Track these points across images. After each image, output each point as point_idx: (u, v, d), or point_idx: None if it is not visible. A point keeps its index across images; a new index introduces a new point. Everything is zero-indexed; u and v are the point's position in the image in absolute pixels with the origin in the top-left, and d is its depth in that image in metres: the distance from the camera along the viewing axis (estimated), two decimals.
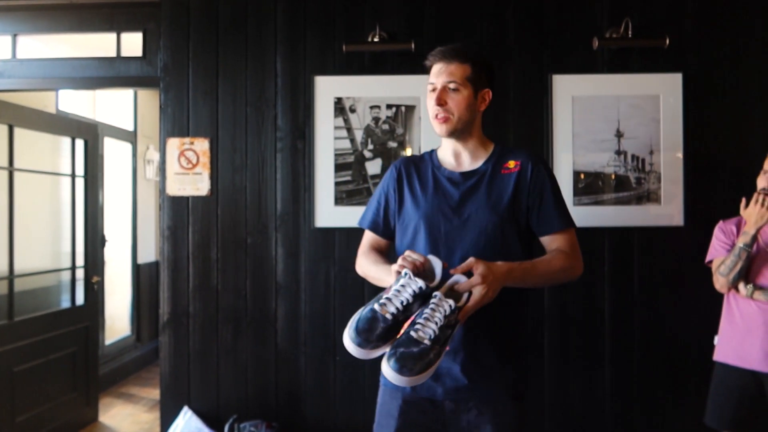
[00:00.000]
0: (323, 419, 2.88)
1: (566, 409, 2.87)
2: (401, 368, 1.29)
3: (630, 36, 2.78)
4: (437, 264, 1.45)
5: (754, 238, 2.25)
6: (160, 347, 2.97)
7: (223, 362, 2.92)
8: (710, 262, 2.44)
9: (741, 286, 2.31)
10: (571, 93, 2.82)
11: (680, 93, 2.81)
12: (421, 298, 1.38)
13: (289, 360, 2.90)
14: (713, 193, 2.82)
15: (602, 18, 2.85)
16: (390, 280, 1.50)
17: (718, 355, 2.41)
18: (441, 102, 1.59)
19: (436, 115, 1.61)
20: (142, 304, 5.21)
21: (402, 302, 1.36)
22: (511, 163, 1.64)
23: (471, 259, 1.42)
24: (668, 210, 2.81)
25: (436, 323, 1.33)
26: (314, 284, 2.90)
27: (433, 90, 1.62)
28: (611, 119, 2.81)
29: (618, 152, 2.81)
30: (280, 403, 2.90)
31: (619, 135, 2.82)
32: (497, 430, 1.55)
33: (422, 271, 1.43)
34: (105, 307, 4.75)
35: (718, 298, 2.45)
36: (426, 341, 1.31)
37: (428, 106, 1.64)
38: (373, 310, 1.35)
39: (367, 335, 1.32)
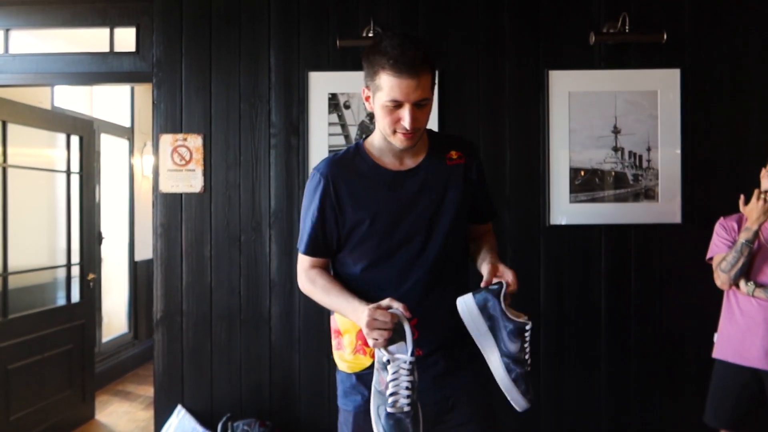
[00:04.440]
0: (317, 418, 2.86)
1: (562, 407, 2.85)
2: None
3: (627, 31, 2.75)
4: (404, 319, 1.35)
5: (756, 234, 2.23)
6: (154, 345, 2.95)
7: (216, 360, 2.90)
8: (711, 259, 2.42)
9: (742, 283, 2.29)
10: (567, 89, 2.79)
11: (678, 89, 2.77)
12: (415, 364, 1.33)
13: (284, 358, 2.88)
14: (711, 190, 2.79)
15: (599, 13, 2.82)
16: (351, 316, 1.44)
17: (718, 353, 2.39)
18: (418, 124, 1.42)
19: (403, 134, 1.43)
20: (140, 301, 5.20)
21: (407, 386, 1.31)
22: (454, 154, 1.57)
23: (492, 270, 1.46)
24: (666, 207, 2.78)
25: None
26: None
27: (398, 106, 1.40)
28: (608, 115, 2.78)
29: (615, 149, 2.78)
30: (274, 402, 2.88)
31: (616, 131, 2.79)
32: (478, 413, 1.55)
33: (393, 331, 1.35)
34: (102, 304, 4.73)
35: (717, 295, 2.43)
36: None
37: (386, 121, 1.43)
38: (391, 415, 1.31)
39: None
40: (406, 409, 1.30)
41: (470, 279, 1.60)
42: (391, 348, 1.34)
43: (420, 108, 1.42)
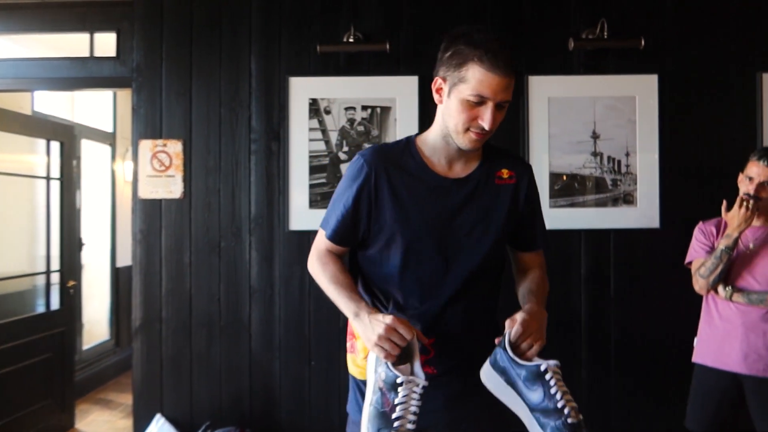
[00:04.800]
0: (298, 425, 2.84)
1: None
2: None
3: (606, 37, 2.77)
4: (416, 341, 1.28)
5: (736, 241, 2.22)
6: (133, 353, 2.92)
7: (196, 368, 2.88)
8: (690, 263, 2.42)
9: (720, 288, 2.29)
10: (547, 94, 2.81)
11: (656, 94, 2.80)
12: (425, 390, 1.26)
13: (264, 365, 2.86)
14: (689, 194, 2.81)
15: (578, 19, 2.84)
16: (348, 313, 1.35)
17: (698, 357, 2.40)
18: (494, 126, 1.33)
19: (476, 133, 1.34)
20: (122, 308, 5.14)
21: (415, 411, 1.23)
22: (505, 173, 1.46)
23: (509, 323, 1.31)
24: (644, 212, 2.80)
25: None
26: (289, 288, 2.86)
27: (480, 103, 1.30)
28: (587, 120, 2.80)
29: (594, 154, 2.80)
30: (254, 409, 2.86)
31: (595, 136, 2.81)
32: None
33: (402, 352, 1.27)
34: (83, 311, 4.68)
35: (695, 299, 2.44)
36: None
37: (461, 117, 1.32)
38: None
39: None
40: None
41: (499, 303, 1.53)
42: (401, 368, 1.26)
43: (499, 110, 1.33)
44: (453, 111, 1.34)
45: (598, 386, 2.84)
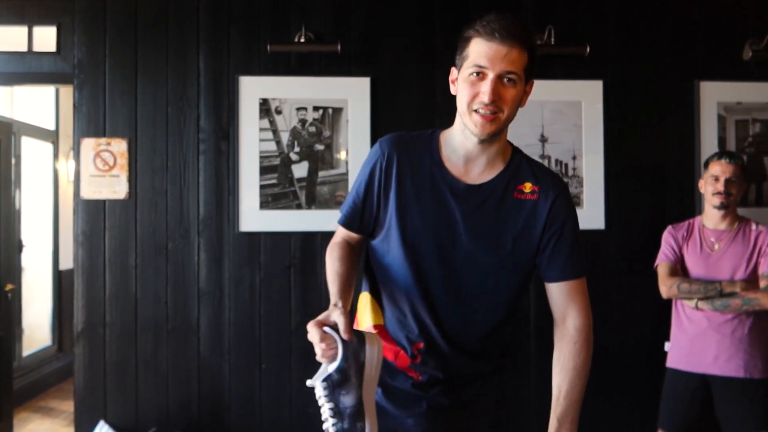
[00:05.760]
0: (248, 429, 2.79)
1: None
2: None
3: (553, 43, 2.83)
4: (338, 338, 1.17)
5: (734, 304, 2.28)
6: (75, 359, 2.81)
7: (142, 373, 2.79)
8: (657, 265, 2.48)
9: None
10: None
11: (601, 99, 2.87)
12: (338, 382, 1.16)
13: (213, 369, 2.80)
14: (632, 196, 2.89)
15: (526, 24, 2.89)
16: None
17: (670, 362, 2.46)
18: (496, 96, 1.21)
19: (482, 112, 1.23)
20: (65, 312, 4.94)
21: (330, 414, 1.17)
22: (528, 187, 1.32)
23: None
24: (590, 214, 2.86)
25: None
26: (239, 290, 2.81)
27: (481, 77, 1.22)
28: (535, 124, 2.85)
29: (542, 157, 2.86)
30: (203, 414, 2.80)
31: (543, 140, 2.87)
32: None
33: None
34: (23, 316, 4.48)
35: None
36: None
37: (465, 95, 1.24)
38: None
39: None
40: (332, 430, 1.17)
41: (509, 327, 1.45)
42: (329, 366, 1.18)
43: (505, 85, 1.22)
44: (459, 93, 1.28)
45: (547, 388, 2.89)
